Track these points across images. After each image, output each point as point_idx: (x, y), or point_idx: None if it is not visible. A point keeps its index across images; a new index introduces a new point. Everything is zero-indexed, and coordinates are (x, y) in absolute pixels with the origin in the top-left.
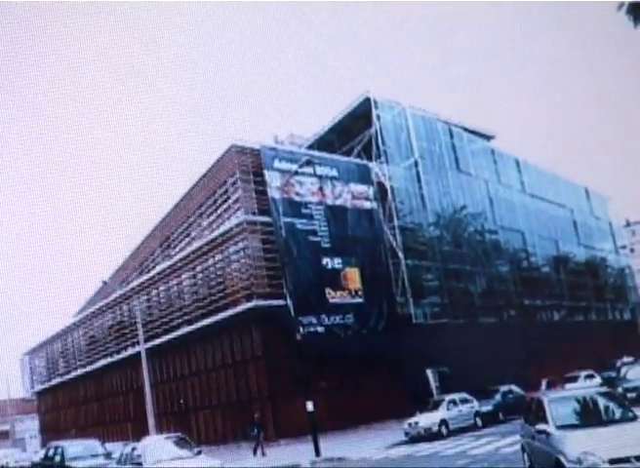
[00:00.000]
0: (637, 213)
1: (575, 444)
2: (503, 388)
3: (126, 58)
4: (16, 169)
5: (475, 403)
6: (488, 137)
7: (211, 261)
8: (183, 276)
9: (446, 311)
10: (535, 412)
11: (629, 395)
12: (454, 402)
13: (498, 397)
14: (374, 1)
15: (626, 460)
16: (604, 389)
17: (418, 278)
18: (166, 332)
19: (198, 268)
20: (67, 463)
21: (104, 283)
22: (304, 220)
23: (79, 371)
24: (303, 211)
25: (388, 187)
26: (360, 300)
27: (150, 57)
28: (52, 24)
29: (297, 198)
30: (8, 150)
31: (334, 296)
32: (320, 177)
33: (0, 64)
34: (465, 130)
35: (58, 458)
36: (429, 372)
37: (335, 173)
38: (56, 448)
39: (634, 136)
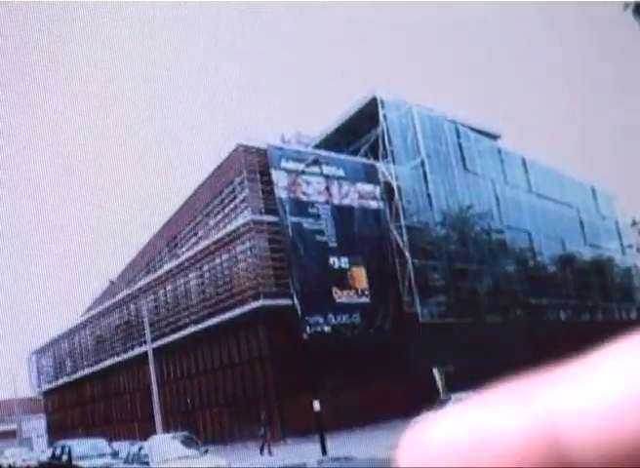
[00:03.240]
0: None
1: None
2: None
3: (134, 57)
4: (23, 166)
5: None
6: (494, 137)
7: (218, 261)
8: (190, 275)
9: (452, 310)
10: None
11: None
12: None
13: None
14: (380, 0)
15: None
16: None
17: (424, 277)
18: (173, 332)
19: (205, 267)
20: (74, 462)
21: (112, 282)
22: (311, 220)
23: (86, 371)
24: (310, 210)
25: (395, 187)
26: (367, 299)
27: (158, 55)
28: (58, 22)
29: (303, 197)
30: (15, 146)
31: (340, 296)
32: (327, 177)
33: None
34: (472, 129)
35: (65, 458)
36: (436, 371)
37: (341, 172)
38: (63, 447)
39: None
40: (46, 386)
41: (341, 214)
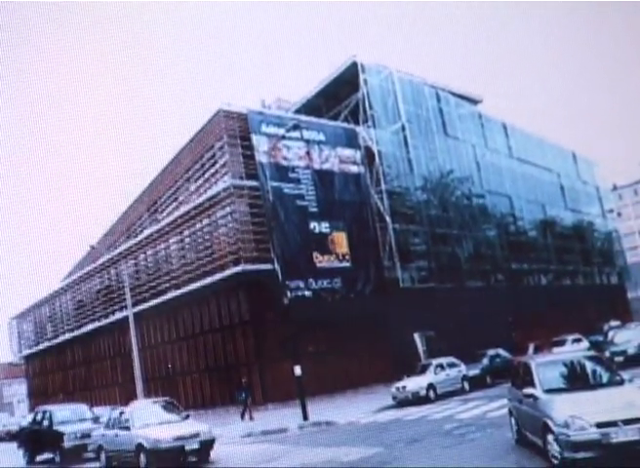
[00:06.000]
0: (624, 176)
1: (562, 407)
2: (491, 352)
3: (118, 24)
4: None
5: (463, 367)
6: (475, 102)
7: (198, 226)
8: (171, 240)
9: (433, 275)
10: (522, 376)
11: (616, 359)
12: (441, 366)
13: (485, 361)
14: None
15: (613, 424)
16: (591, 353)
17: (405, 242)
18: (154, 297)
19: (185, 233)
20: (55, 427)
21: (92, 247)
22: (292, 185)
23: (67, 336)
24: (291, 175)
25: (375, 151)
26: (347, 264)
27: (141, 22)
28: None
29: (284, 162)
30: None
31: (321, 261)
32: (307, 142)
33: None
34: (453, 94)
35: (46, 423)
36: (417, 336)
37: (322, 137)
38: (44, 412)
39: (621, 101)
40: (27, 351)
41: (322, 178)
